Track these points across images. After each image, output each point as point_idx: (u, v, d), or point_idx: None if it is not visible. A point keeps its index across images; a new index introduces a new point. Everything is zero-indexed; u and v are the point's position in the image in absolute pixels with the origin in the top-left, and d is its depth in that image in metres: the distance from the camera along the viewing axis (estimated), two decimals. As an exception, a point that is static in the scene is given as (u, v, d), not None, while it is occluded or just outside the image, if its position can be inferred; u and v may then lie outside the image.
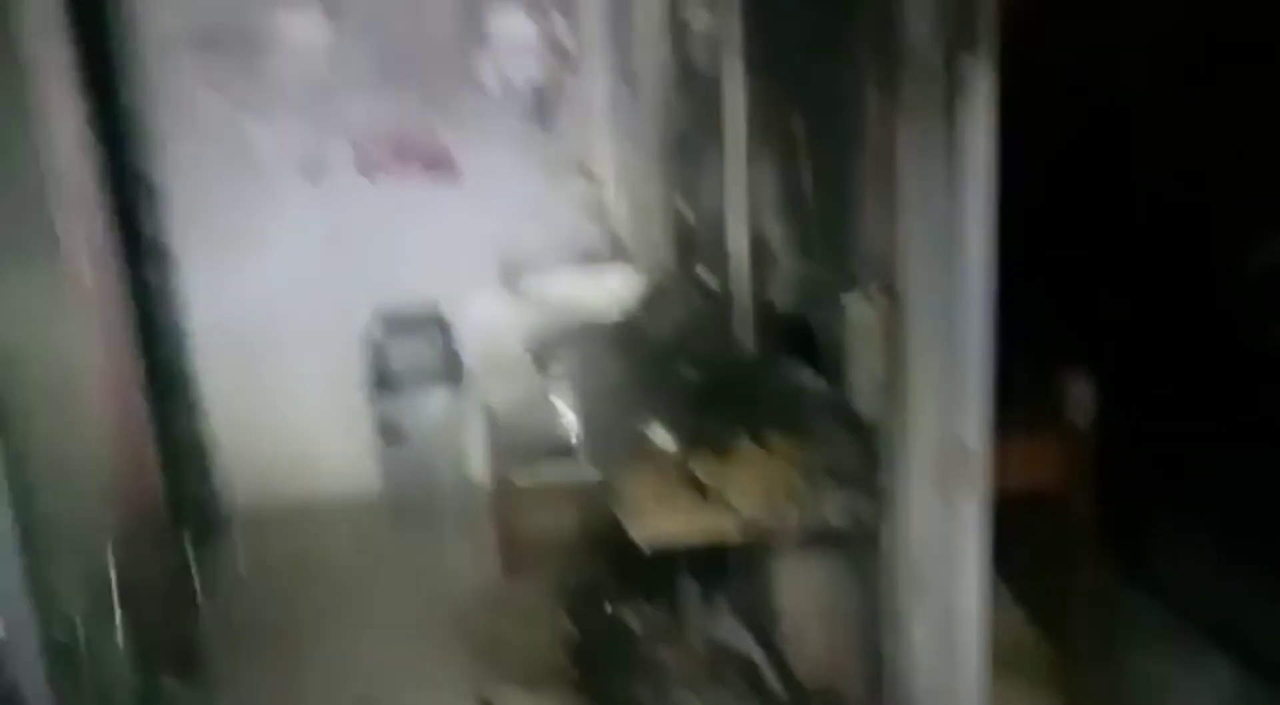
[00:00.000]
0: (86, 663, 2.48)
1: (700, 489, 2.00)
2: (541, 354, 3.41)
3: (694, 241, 3.13)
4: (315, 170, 3.91)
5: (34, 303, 2.51)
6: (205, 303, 3.96)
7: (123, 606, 2.76)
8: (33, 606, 2.07)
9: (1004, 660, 2.12)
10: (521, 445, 3.39)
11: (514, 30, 3.85)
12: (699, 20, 3.06)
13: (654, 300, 3.29)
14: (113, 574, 2.74)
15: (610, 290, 3.59)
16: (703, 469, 2.06)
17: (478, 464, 3.87)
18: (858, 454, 1.98)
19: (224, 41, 3.69)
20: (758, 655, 2.61)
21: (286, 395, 4.05)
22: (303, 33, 3.76)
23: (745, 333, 2.60)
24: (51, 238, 2.60)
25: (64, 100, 2.61)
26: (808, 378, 2.20)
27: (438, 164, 3.98)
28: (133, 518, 2.83)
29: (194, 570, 3.53)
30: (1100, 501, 2.48)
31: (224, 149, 3.83)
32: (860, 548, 2.02)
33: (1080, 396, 2.47)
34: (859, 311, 1.91)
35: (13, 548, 2.01)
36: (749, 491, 1.99)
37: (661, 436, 2.15)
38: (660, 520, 1.98)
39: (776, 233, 2.44)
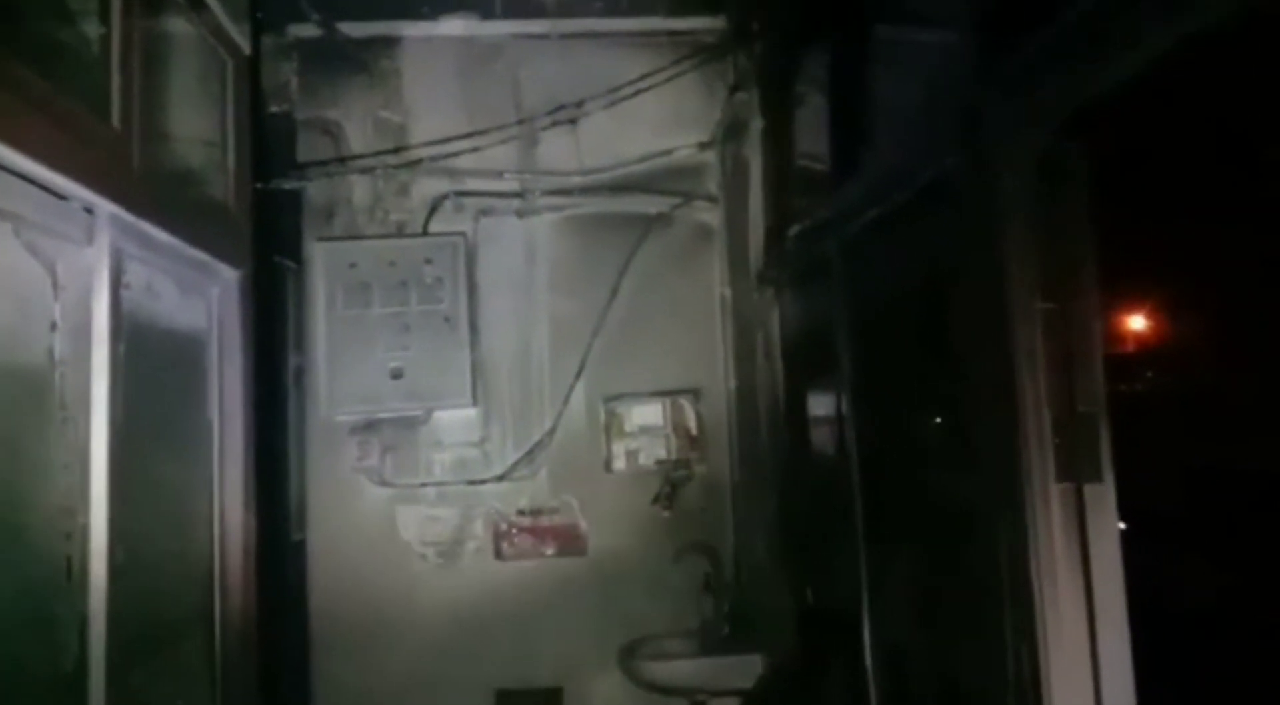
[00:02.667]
0: None
1: None
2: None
3: (823, 633, 3.06)
4: (453, 549, 4.07)
5: (174, 678, 2.60)
6: (334, 668, 4.01)
7: None
8: None
9: None
10: None
11: (646, 420, 4.11)
12: (820, 411, 3.22)
13: (779, 691, 3.17)
14: None
15: (733, 674, 3.49)
16: None
17: None
18: None
19: (384, 430, 4.04)
20: None
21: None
22: (455, 424, 4.09)
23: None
24: (204, 608, 2.74)
25: (237, 480, 2.86)
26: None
27: (568, 542, 4.10)
28: None
29: None
30: None
31: (371, 524, 4.06)
32: None
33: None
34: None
35: None
36: None
37: None
38: None
39: (909, 633, 2.39)
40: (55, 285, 2.05)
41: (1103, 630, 1.64)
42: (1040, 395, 1.67)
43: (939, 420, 2.22)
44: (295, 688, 3.97)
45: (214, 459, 2.83)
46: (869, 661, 2.51)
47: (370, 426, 4.00)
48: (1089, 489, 1.63)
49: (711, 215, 4.24)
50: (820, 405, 3.20)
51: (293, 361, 4.06)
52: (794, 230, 3.31)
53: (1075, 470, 1.64)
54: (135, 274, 2.36)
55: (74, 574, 1.98)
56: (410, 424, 4.04)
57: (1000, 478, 1.80)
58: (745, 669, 3.47)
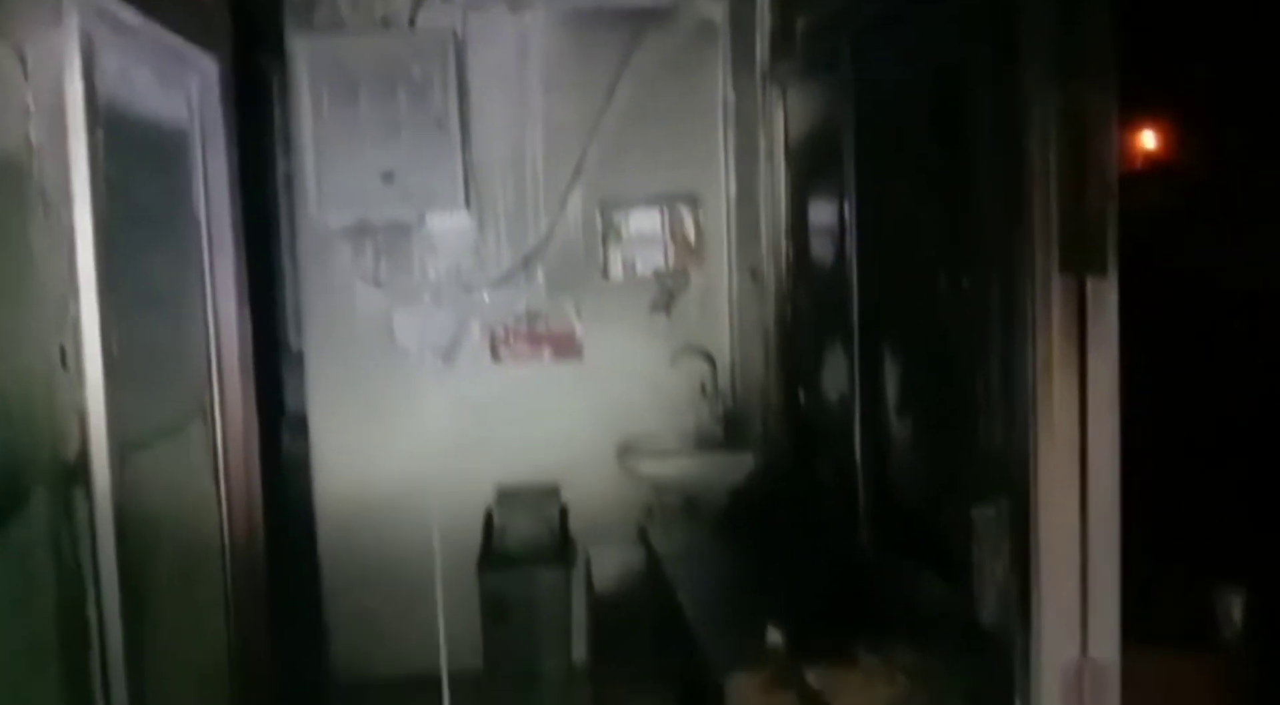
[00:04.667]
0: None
1: (811, 697, 1.93)
2: (653, 537, 3.40)
3: (814, 433, 3.12)
4: (450, 353, 4.10)
5: (178, 468, 2.66)
6: (335, 471, 4.11)
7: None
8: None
9: None
10: (627, 630, 3.35)
11: (643, 225, 4.05)
12: (821, 217, 3.17)
13: (770, 488, 3.27)
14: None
15: (726, 473, 3.60)
16: (818, 675, 1.99)
17: (581, 646, 3.81)
18: (981, 668, 1.89)
19: (377, 234, 3.98)
20: None
21: (403, 564, 4.11)
22: (449, 228, 4.03)
23: (864, 530, 2.55)
24: (203, 403, 2.78)
25: (229, 274, 2.84)
26: (929, 582, 2.13)
27: (565, 347, 4.13)
28: (244, 686, 2.87)
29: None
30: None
31: (368, 329, 4.07)
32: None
33: (1231, 613, 2.33)
34: (985, 518, 1.86)
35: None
36: (863, 703, 1.91)
37: (772, 635, 2.09)
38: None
39: (899, 430, 2.43)
40: (25, 70, 1.96)
41: (1094, 425, 1.65)
42: (1050, 185, 1.62)
43: (944, 217, 2.17)
44: (296, 490, 4.09)
45: (204, 257, 2.81)
46: (859, 456, 2.57)
47: (363, 230, 3.94)
48: (1092, 282, 1.61)
49: (715, 9, 4.03)
50: (822, 208, 3.15)
51: (281, 167, 3.96)
52: (802, 25, 3.17)
53: (1080, 263, 1.61)
54: (109, 60, 2.27)
55: (69, 363, 1.98)
56: (403, 228, 3.98)
57: (1003, 270, 1.78)
58: (738, 467, 3.57)
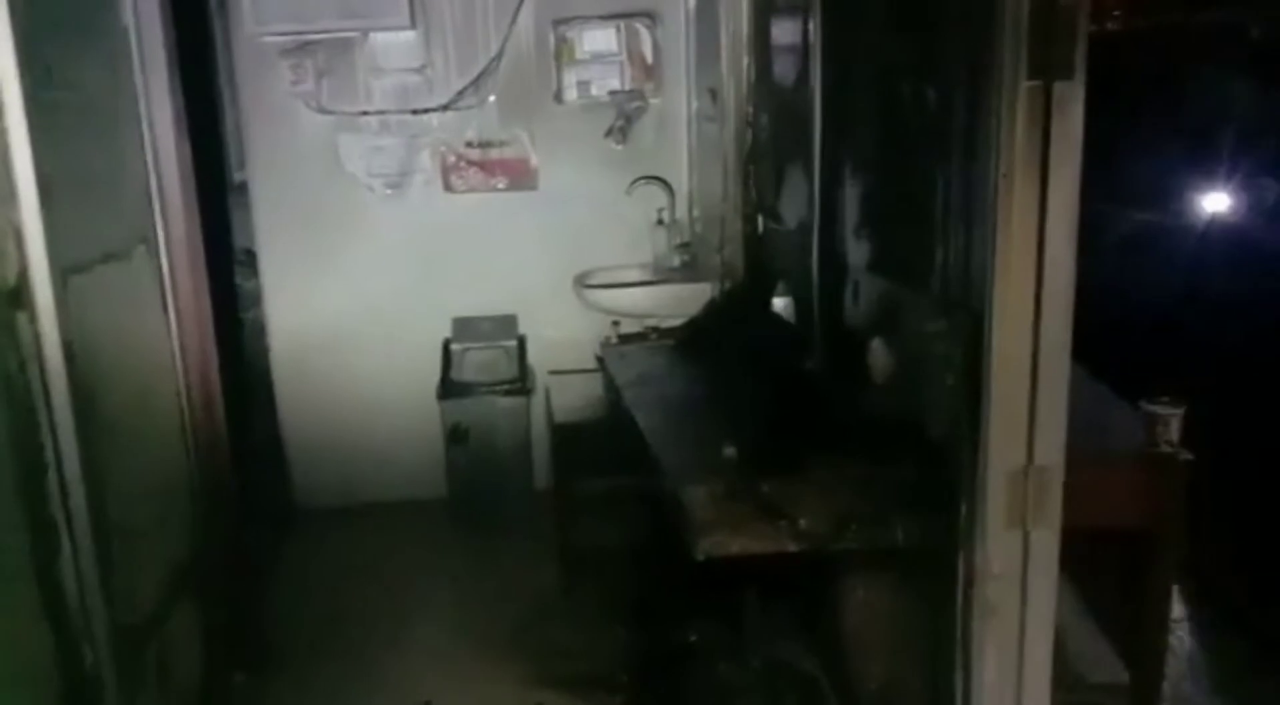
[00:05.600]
0: (158, 651, 2.56)
1: (766, 507, 1.99)
2: (610, 364, 3.42)
3: (771, 257, 3.12)
4: (400, 181, 3.99)
5: (124, 296, 2.60)
6: (287, 305, 4.06)
7: (195, 598, 2.84)
8: (107, 594, 2.13)
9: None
10: (586, 454, 3.41)
11: (597, 43, 3.89)
12: (783, 35, 3.06)
13: (726, 313, 3.28)
14: (187, 565, 2.82)
15: (682, 301, 3.60)
16: (771, 487, 2.04)
17: (542, 472, 3.89)
18: (930, 478, 1.95)
19: (318, 53, 3.79)
20: (820, 675, 2.58)
21: (361, 396, 4.13)
22: (394, 48, 3.85)
23: (818, 351, 2.58)
24: (146, 231, 2.69)
25: (163, 92, 2.70)
26: (879, 398, 2.17)
27: (519, 176, 4.03)
28: (207, 512, 2.90)
29: (265, 566, 3.61)
30: (1190, 536, 2.43)
31: (314, 157, 3.93)
32: (929, 572, 1.99)
33: (1170, 426, 2.41)
34: (938, 331, 1.88)
35: (88, 535, 2.08)
36: (816, 512, 1.97)
37: (728, 452, 2.13)
38: (723, 537, 1.96)
39: (855, 251, 2.42)
40: None
41: (1053, 229, 1.64)
42: (1021, -13, 1.56)
43: (910, 28, 2.10)
44: (248, 324, 4.04)
45: (136, 77, 2.65)
46: (815, 279, 2.56)
47: (303, 48, 3.75)
48: (1059, 86, 1.57)
49: None
50: (785, 25, 3.03)
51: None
52: None
53: (1047, 67, 1.57)
54: None
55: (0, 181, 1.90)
56: (345, 46, 3.80)
57: (969, 81, 1.73)
58: (695, 296, 3.57)
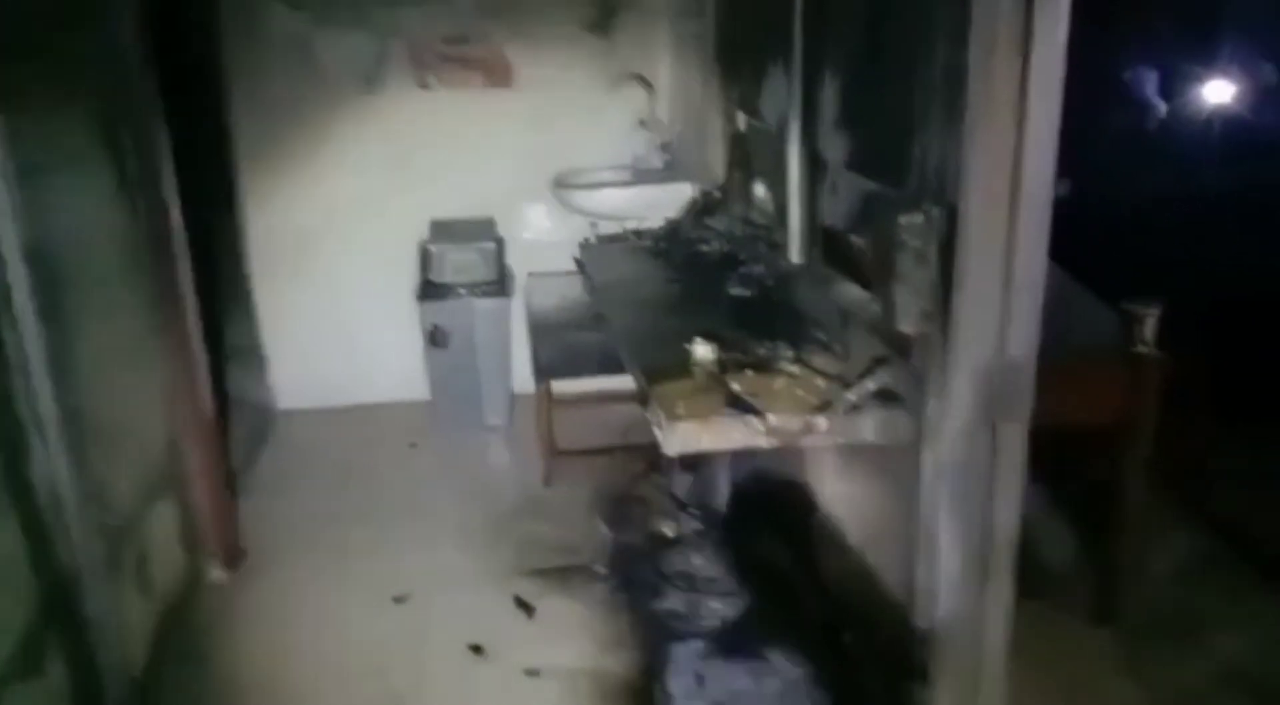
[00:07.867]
0: (136, 549, 2.57)
1: (739, 403, 1.98)
2: (589, 264, 3.39)
3: (748, 155, 3.06)
4: (376, 80, 3.88)
5: (94, 197, 2.54)
6: (264, 207, 3.99)
7: (172, 498, 2.85)
8: (84, 494, 2.13)
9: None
10: (564, 354, 3.41)
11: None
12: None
13: (704, 213, 3.24)
14: (164, 466, 2.83)
15: (662, 202, 3.55)
16: (742, 383, 2.04)
17: (521, 371, 3.89)
18: (900, 372, 1.95)
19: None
20: (791, 569, 2.62)
21: (339, 298, 4.10)
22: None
23: (794, 248, 2.55)
24: (116, 132, 2.62)
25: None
26: (851, 293, 2.16)
27: (497, 75, 3.93)
28: (184, 413, 2.89)
29: (243, 466, 3.63)
30: (1161, 433, 2.45)
31: (287, 56, 3.81)
32: (898, 466, 2.00)
33: (1145, 325, 2.42)
34: (913, 225, 1.85)
35: (63, 435, 2.06)
36: (788, 406, 1.97)
37: (702, 349, 2.12)
38: (696, 432, 1.96)
39: (832, 148, 2.37)
40: None
41: (1034, 108, 1.60)
42: None
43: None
44: (223, 225, 3.97)
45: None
46: (794, 176, 2.52)
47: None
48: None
49: None
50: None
51: None
52: None
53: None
54: None
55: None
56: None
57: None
58: (675, 197, 3.52)
